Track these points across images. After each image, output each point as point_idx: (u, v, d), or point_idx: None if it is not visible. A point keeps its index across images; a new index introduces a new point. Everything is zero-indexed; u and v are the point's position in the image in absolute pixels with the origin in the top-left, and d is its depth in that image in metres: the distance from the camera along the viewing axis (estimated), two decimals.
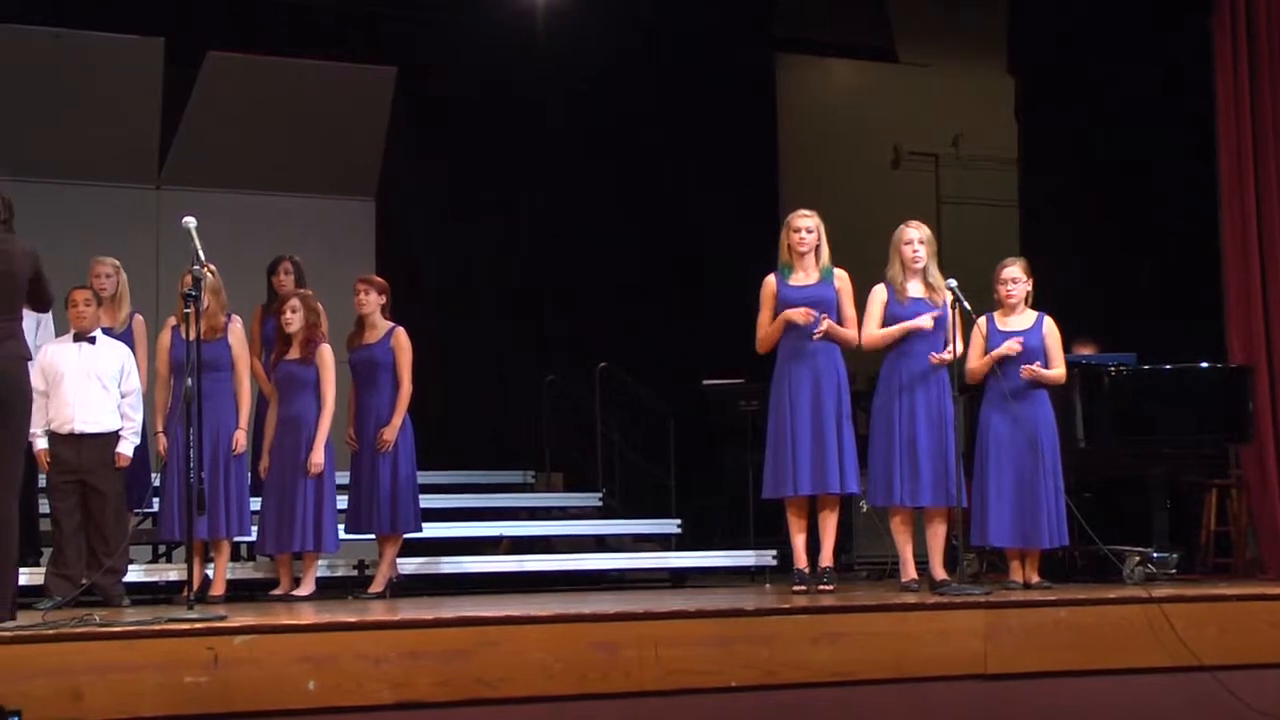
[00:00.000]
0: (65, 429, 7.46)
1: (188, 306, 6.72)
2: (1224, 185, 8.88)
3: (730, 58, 12.55)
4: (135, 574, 8.11)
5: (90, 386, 7.51)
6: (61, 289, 7.12)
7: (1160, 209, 10.86)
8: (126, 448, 7.60)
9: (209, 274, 7.31)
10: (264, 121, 11.13)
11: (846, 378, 7.65)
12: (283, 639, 5.90)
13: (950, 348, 7.50)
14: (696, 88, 12.20)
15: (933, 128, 13.78)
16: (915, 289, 7.66)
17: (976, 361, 7.75)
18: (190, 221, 6.71)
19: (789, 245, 7.68)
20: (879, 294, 7.69)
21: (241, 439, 7.90)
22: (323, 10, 11.34)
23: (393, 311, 8.39)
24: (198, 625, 5.88)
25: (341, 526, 8.20)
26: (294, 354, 8.10)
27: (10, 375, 6.06)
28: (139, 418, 7.69)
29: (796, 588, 7.56)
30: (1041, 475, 7.63)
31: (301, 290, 8.34)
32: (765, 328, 7.68)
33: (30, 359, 6.31)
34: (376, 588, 8.19)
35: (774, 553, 9.23)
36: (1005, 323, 7.84)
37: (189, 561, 6.87)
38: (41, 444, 7.45)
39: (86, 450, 7.47)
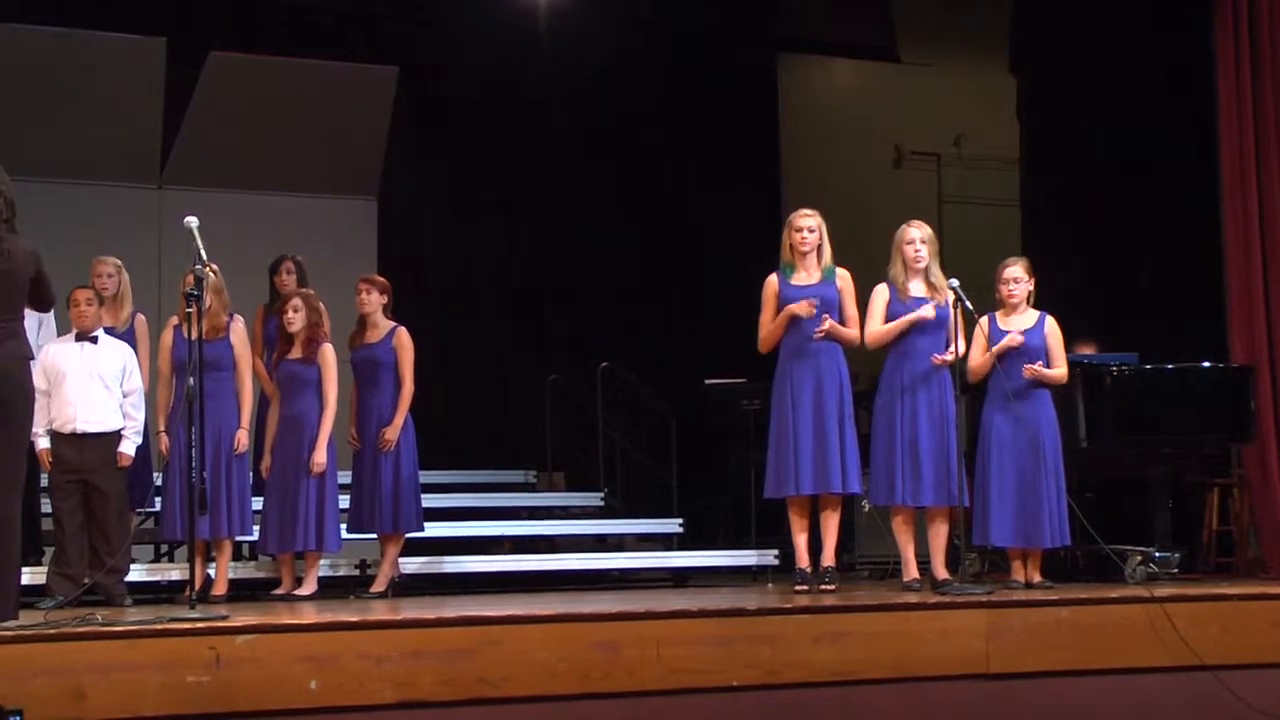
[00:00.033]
0: (67, 428, 7.46)
1: (190, 306, 6.73)
2: (1226, 185, 8.88)
3: (732, 58, 12.55)
4: (137, 573, 8.11)
5: (92, 386, 7.51)
6: (63, 288, 7.13)
7: (1162, 209, 10.86)
8: (128, 447, 7.60)
9: (211, 273, 7.32)
10: (266, 121, 11.15)
11: (849, 377, 7.66)
12: (285, 638, 5.90)
13: (952, 348, 7.50)
14: (698, 88, 12.20)
15: (935, 127, 13.78)
16: (917, 288, 7.66)
17: (978, 360, 7.74)
18: (192, 221, 6.71)
19: (791, 245, 7.69)
20: (881, 293, 7.69)
21: (243, 438, 7.90)
22: (324, 10, 11.35)
23: (394, 311, 8.39)
24: (200, 625, 5.88)
25: (343, 526, 8.20)
26: (296, 353, 8.10)
27: (12, 375, 6.06)
28: (141, 417, 7.69)
29: (798, 587, 7.56)
30: (1043, 475, 7.63)
31: (303, 290, 8.34)
32: (767, 327, 7.68)
33: (32, 358, 6.31)
34: (378, 587, 8.19)
35: (776, 552, 9.23)
36: (1007, 322, 7.83)
37: (191, 561, 6.90)
38: (44, 443, 7.45)
39: (89, 450, 7.48)
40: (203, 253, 6.69)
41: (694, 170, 12.26)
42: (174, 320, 7.92)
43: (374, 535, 8.33)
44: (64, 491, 7.48)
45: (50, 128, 10.53)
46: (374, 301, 8.29)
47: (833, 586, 7.51)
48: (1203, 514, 9.13)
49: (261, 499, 8.12)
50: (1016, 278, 7.86)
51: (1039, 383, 7.72)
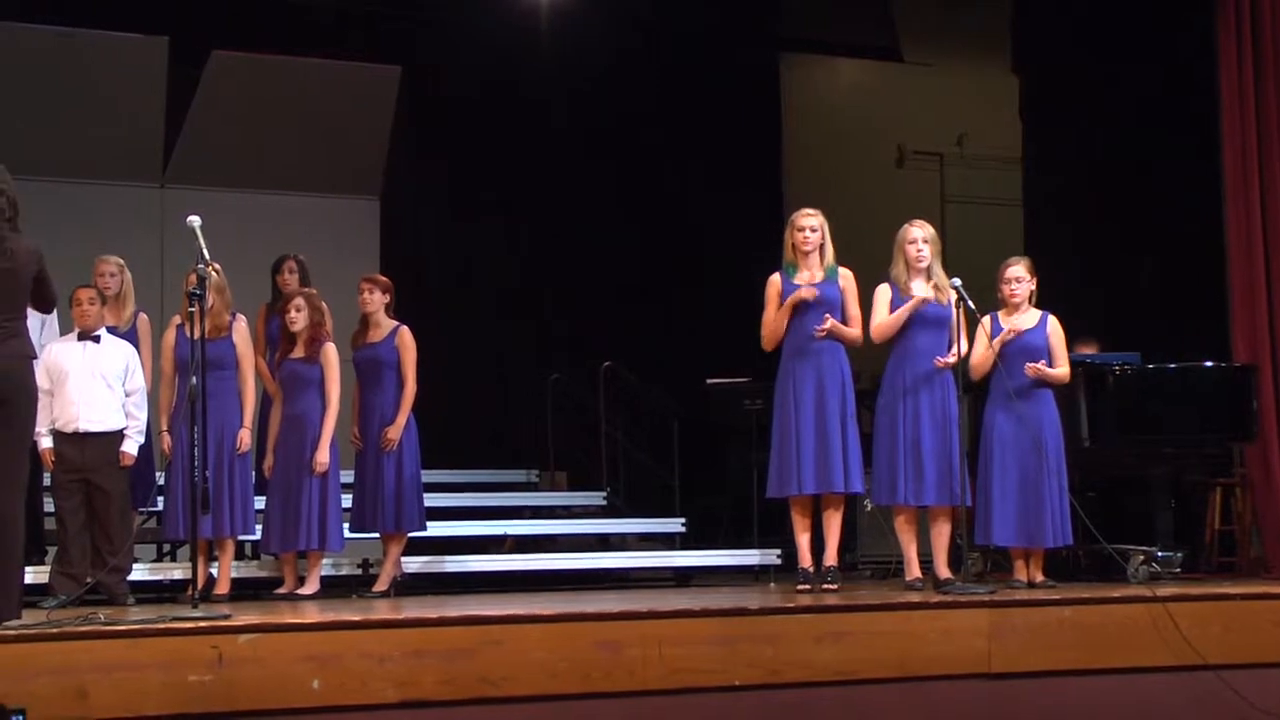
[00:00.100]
0: (70, 428, 7.46)
1: (192, 305, 6.73)
2: (1228, 184, 8.88)
3: (733, 57, 12.54)
4: (140, 573, 8.10)
5: (95, 385, 7.51)
6: (66, 288, 7.13)
7: (1164, 208, 10.86)
8: (131, 446, 7.60)
9: (213, 273, 7.34)
10: (268, 120, 11.15)
11: (851, 377, 7.67)
12: (287, 638, 5.90)
13: (954, 350, 7.50)
14: (700, 87, 12.20)
15: (937, 127, 13.78)
16: (920, 288, 7.66)
17: (979, 356, 7.74)
18: (195, 220, 6.71)
19: (793, 244, 7.70)
20: (884, 292, 7.70)
21: (246, 438, 7.90)
22: (326, 10, 11.35)
23: (397, 310, 8.39)
24: (202, 624, 5.88)
25: (346, 525, 8.20)
26: (298, 353, 8.10)
27: (15, 374, 6.06)
28: (143, 416, 7.69)
29: (801, 587, 7.57)
30: (1046, 474, 7.63)
31: (306, 289, 8.33)
32: (770, 324, 7.68)
33: (35, 357, 6.31)
34: (381, 586, 8.19)
35: (778, 552, 9.22)
36: (1009, 322, 7.83)
37: (193, 560, 6.89)
38: (46, 443, 7.45)
39: (91, 449, 7.48)
40: (205, 252, 6.69)
41: (695, 170, 12.25)
42: (176, 319, 7.92)
43: (376, 535, 8.32)
44: (66, 491, 7.48)
45: (52, 127, 10.53)
46: (376, 301, 8.29)
47: (835, 586, 7.51)
48: (1205, 513, 9.13)
49: (264, 498, 8.12)
50: (1018, 277, 7.86)
51: (1041, 382, 7.72)
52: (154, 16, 10.57)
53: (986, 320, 7.73)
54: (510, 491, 10.88)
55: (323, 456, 7.93)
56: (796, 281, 7.65)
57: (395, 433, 8.14)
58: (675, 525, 10.09)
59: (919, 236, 7.68)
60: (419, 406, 8.26)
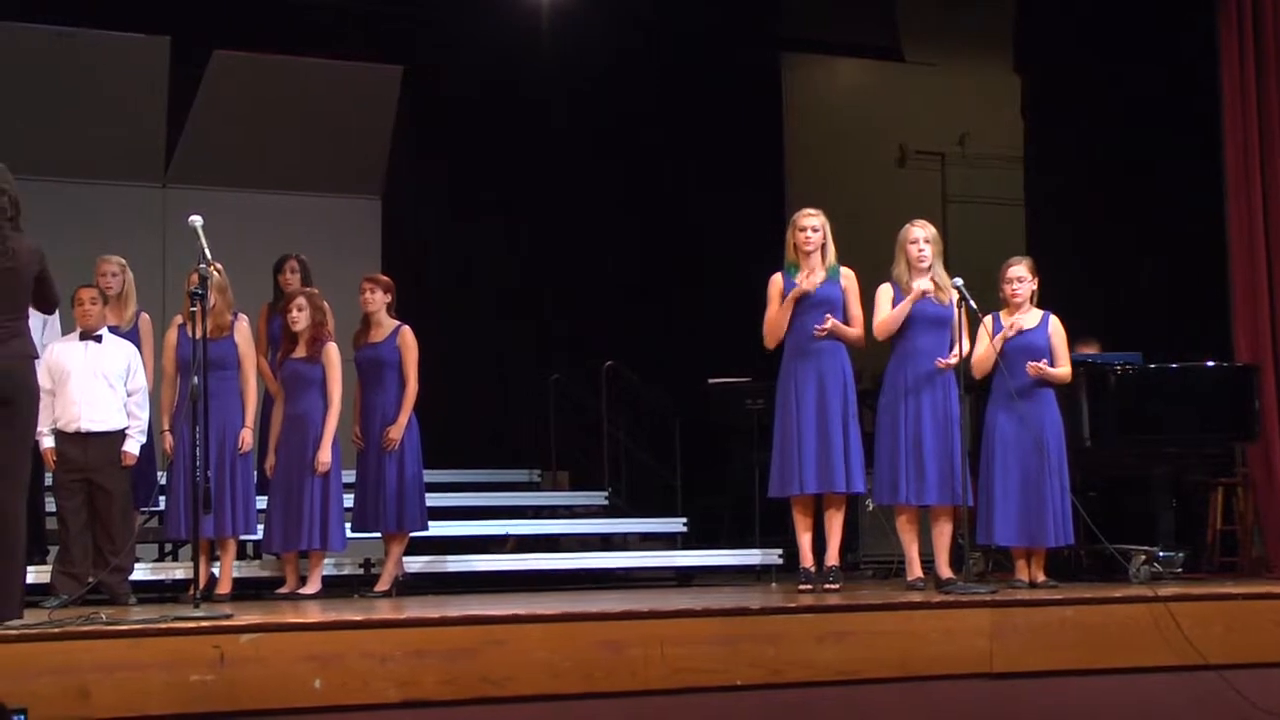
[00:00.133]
0: (71, 427, 7.47)
1: (194, 305, 6.74)
2: (1230, 184, 8.88)
3: (734, 57, 12.54)
4: (141, 572, 8.10)
5: (96, 385, 7.51)
6: (68, 287, 7.13)
7: (1165, 208, 10.87)
8: (133, 446, 7.60)
9: (215, 272, 7.33)
10: (270, 120, 11.15)
11: (852, 376, 7.66)
12: (289, 637, 5.90)
13: (955, 351, 7.50)
14: (701, 87, 12.20)
15: (939, 127, 13.77)
16: (920, 286, 7.65)
17: (981, 354, 7.73)
18: (196, 220, 6.71)
19: (795, 244, 7.70)
20: (886, 292, 7.70)
21: (247, 437, 7.90)
22: (327, 10, 11.35)
23: (398, 310, 8.39)
24: (204, 624, 5.88)
25: (348, 525, 8.20)
26: (300, 352, 8.10)
27: (17, 373, 6.06)
28: (145, 416, 7.69)
29: (802, 587, 7.56)
30: (1047, 474, 7.63)
31: (307, 289, 8.33)
32: (772, 321, 7.68)
33: (37, 357, 6.31)
34: (382, 586, 8.19)
35: (780, 551, 9.22)
36: (1011, 321, 7.82)
37: (195, 560, 6.88)
38: (48, 443, 7.45)
39: (93, 449, 7.48)
40: (207, 252, 6.69)
41: (695, 170, 12.25)
42: (178, 319, 7.92)
43: (378, 534, 8.32)
44: (68, 490, 7.48)
45: (54, 127, 10.54)
46: (378, 300, 8.29)
47: (837, 586, 7.51)
48: (1206, 513, 9.13)
49: (266, 498, 8.12)
50: (1020, 277, 7.85)
51: (1043, 382, 7.72)
52: (156, 16, 10.57)
53: (988, 320, 7.73)
54: (512, 491, 10.88)
55: (324, 456, 7.93)
56: (797, 281, 7.65)
57: (397, 432, 8.14)
58: (677, 525, 10.09)
59: (921, 236, 7.68)
60: (420, 406, 8.26)
